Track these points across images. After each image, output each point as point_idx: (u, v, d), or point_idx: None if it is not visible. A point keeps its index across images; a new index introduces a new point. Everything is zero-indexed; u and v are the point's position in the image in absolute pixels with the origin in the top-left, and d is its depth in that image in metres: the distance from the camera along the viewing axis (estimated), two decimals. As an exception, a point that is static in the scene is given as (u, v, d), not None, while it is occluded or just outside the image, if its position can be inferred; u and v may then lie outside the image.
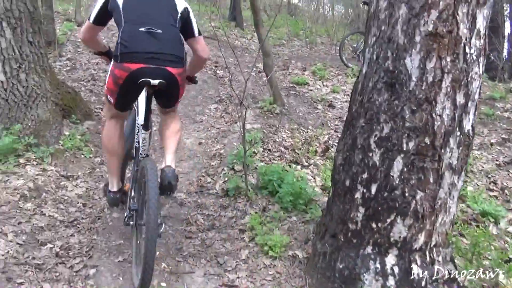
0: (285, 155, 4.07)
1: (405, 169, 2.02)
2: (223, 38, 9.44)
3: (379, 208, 2.08)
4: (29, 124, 3.48)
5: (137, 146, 2.38)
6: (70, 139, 3.64)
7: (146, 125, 2.35)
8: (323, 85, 6.37)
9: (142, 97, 2.36)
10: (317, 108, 5.58)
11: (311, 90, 6.17)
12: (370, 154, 2.10)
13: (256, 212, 2.92)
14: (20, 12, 3.46)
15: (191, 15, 2.35)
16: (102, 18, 2.33)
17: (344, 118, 5.50)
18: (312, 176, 3.69)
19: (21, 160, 3.17)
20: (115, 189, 2.47)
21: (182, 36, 2.31)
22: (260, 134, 4.36)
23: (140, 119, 2.37)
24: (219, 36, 9.76)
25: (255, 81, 6.69)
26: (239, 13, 10.62)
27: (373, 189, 2.10)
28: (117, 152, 2.43)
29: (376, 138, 2.08)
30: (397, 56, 2.00)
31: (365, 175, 2.12)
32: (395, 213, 2.06)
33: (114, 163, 2.44)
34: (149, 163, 2.09)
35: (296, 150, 4.24)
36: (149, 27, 2.12)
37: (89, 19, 2.33)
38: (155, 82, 2.11)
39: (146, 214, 1.95)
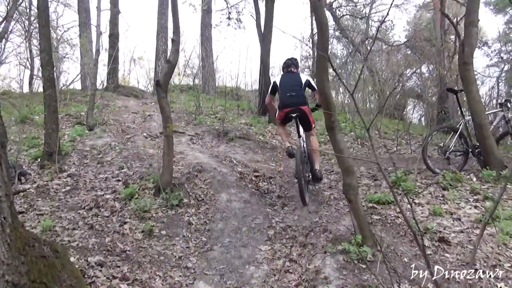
0: None
1: None
2: (256, 138, 7.86)
3: None
4: None
5: (302, 143, 5.13)
6: None
7: (299, 134, 5.13)
8: (415, 204, 4.51)
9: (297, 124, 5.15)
10: (424, 244, 3.67)
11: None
12: None
13: None
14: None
15: (311, 82, 5.11)
16: (273, 91, 5.31)
17: (478, 262, 3.56)
18: None
19: None
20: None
21: (304, 92, 5.13)
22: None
23: (299, 132, 5.12)
24: (252, 135, 8.10)
25: (317, 203, 4.88)
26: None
27: None
28: (283, 138, 5.43)
29: None
30: None
31: None
32: None
33: (284, 139, 5.40)
34: (300, 150, 4.85)
35: None
36: (289, 93, 5.00)
37: (268, 92, 5.41)
38: (294, 114, 4.96)
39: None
